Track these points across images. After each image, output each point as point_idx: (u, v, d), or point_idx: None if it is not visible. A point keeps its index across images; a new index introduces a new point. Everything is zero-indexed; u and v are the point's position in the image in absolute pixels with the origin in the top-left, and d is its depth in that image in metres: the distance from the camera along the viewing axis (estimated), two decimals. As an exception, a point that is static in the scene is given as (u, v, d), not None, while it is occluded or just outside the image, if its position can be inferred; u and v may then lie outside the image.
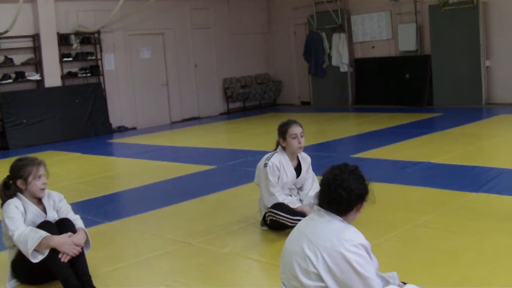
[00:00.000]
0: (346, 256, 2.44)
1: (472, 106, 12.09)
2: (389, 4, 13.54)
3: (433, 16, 12.68)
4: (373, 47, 14.07)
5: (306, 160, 4.88)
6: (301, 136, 4.68)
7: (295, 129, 4.65)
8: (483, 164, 6.73)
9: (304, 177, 4.84)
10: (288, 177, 4.71)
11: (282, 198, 4.62)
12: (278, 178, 4.69)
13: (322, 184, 2.62)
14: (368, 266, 2.47)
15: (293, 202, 4.67)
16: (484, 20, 12.17)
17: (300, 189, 4.89)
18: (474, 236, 4.27)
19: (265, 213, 4.72)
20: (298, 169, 4.79)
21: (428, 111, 12.01)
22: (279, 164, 4.68)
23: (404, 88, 13.30)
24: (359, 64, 14.34)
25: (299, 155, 4.80)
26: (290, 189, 4.83)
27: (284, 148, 4.74)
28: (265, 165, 4.70)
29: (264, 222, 4.80)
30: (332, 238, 2.48)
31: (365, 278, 2.45)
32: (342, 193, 2.52)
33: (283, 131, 4.68)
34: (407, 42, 13.23)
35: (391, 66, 13.59)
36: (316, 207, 2.64)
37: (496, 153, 7.73)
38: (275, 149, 4.83)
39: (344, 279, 2.45)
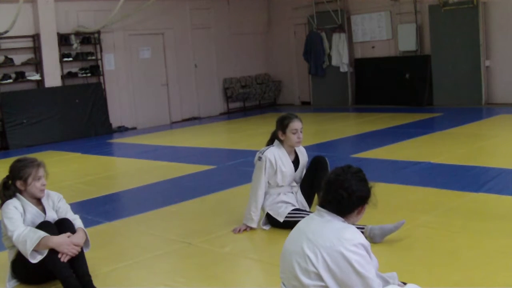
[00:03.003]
0: (346, 255, 2.44)
1: (472, 106, 12.08)
2: (389, 4, 13.55)
3: (433, 16, 12.68)
4: (373, 47, 14.07)
5: (304, 154, 4.93)
6: (301, 132, 4.73)
7: (296, 125, 4.70)
8: (483, 164, 6.73)
9: (301, 171, 4.87)
10: (286, 168, 4.74)
11: (261, 193, 4.72)
12: (275, 173, 4.72)
13: (324, 184, 2.62)
14: (368, 266, 2.47)
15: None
16: (484, 20, 12.16)
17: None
18: (474, 236, 4.27)
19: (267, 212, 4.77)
20: (296, 162, 4.83)
21: (428, 111, 12.00)
22: (274, 159, 4.71)
23: (404, 88, 13.29)
24: (359, 64, 14.34)
25: (296, 148, 4.85)
26: (292, 186, 4.85)
27: (281, 141, 4.77)
28: (259, 158, 4.74)
29: (265, 221, 4.82)
30: (332, 238, 2.48)
31: (365, 278, 2.45)
32: (343, 193, 2.53)
33: (283, 125, 4.71)
34: (407, 42, 13.23)
35: (391, 66, 13.58)
36: (317, 207, 2.65)
37: (496, 153, 7.73)
38: (269, 142, 4.86)
39: (343, 279, 2.45)
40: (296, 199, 4.82)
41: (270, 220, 4.78)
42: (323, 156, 4.88)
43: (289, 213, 4.63)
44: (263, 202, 4.81)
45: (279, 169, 4.72)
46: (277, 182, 4.75)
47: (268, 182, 4.78)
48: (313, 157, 4.89)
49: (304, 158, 4.92)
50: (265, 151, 4.76)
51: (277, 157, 4.72)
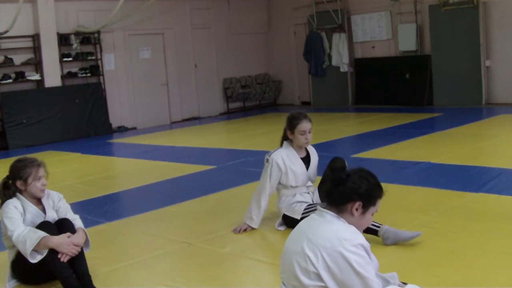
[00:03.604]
0: (345, 255, 2.44)
1: (472, 106, 12.09)
2: (389, 4, 13.55)
3: (433, 16, 12.68)
4: (373, 47, 14.07)
5: (314, 152, 4.92)
6: (309, 132, 4.71)
7: (305, 126, 4.68)
8: (483, 164, 6.74)
9: (314, 169, 4.84)
10: (296, 167, 4.72)
11: (263, 193, 4.73)
12: (286, 174, 4.70)
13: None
14: (367, 266, 2.47)
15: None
16: (484, 20, 12.16)
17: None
18: (474, 236, 4.27)
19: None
20: (307, 160, 4.81)
21: (428, 111, 12.01)
22: (281, 161, 4.69)
23: (404, 88, 13.30)
24: (359, 64, 14.34)
25: (307, 147, 4.85)
26: (307, 186, 4.82)
27: (290, 140, 4.77)
28: (267, 160, 4.74)
29: (281, 222, 4.79)
30: (332, 238, 2.48)
31: (365, 278, 2.45)
32: (334, 180, 2.54)
33: (292, 125, 4.70)
34: (407, 42, 13.23)
35: (391, 66, 13.58)
36: (317, 207, 2.65)
37: (496, 153, 7.73)
38: (281, 142, 4.84)
39: (343, 279, 2.45)
40: (313, 199, 4.77)
41: (286, 221, 4.74)
42: (341, 157, 4.85)
43: (305, 209, 4.60)
44: (279, 204, 4.79)
45: (289, 169, 4.69)
46: (290, 183, 4.71)
47: (281, 183, 4.76)
48: (332, 159, 4.85)
49: (315, 156, 4.89)
50: (272, 153, 4.75)
51: (285, 158, 4.70)
